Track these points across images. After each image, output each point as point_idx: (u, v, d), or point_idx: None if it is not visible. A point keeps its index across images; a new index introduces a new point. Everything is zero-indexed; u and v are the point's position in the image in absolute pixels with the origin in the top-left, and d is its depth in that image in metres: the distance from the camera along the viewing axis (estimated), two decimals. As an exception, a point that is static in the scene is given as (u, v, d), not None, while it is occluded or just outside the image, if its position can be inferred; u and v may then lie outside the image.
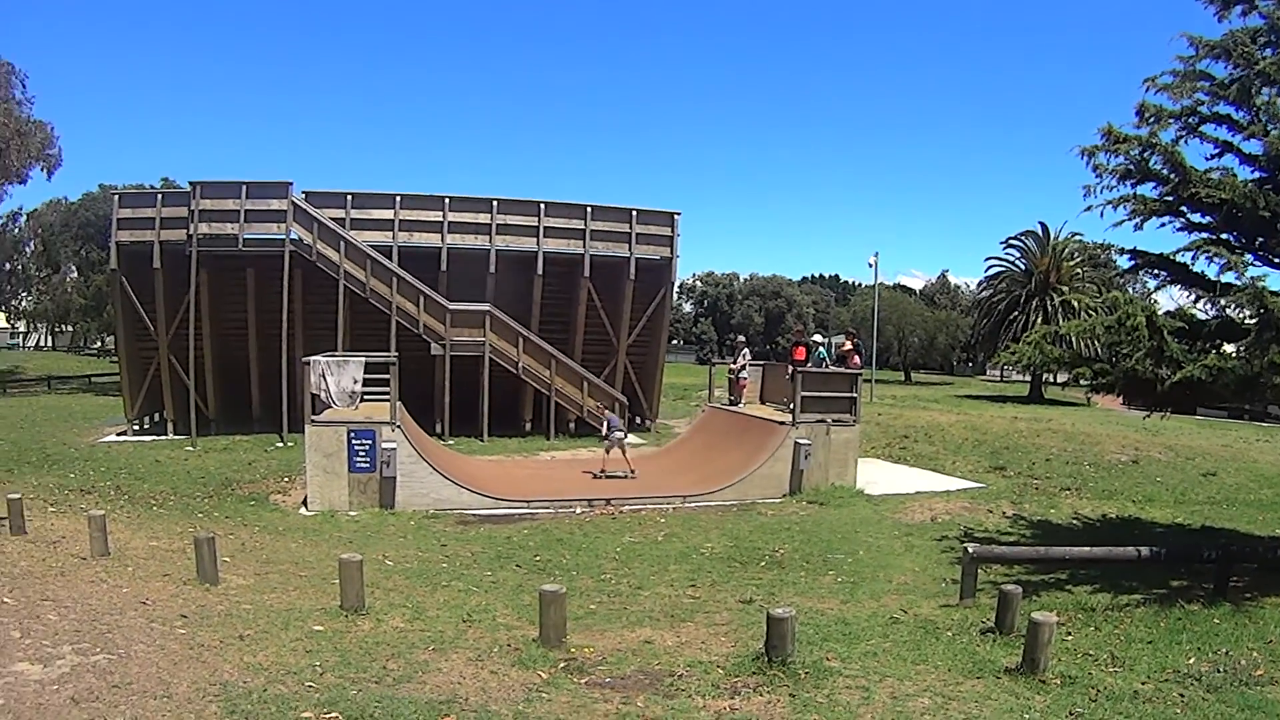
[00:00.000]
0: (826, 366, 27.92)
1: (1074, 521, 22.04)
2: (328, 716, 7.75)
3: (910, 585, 15.87)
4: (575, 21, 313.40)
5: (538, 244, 37.16)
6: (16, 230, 60.88)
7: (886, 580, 16.31)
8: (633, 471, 26.57)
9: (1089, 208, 16.85)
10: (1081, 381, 17.77)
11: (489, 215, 36.92)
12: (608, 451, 26.88)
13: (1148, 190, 16.84)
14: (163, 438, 36.39)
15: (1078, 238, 64.92)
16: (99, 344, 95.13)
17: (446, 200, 36.82)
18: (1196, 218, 16.54)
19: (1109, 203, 16.73)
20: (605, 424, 27.25)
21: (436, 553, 18.44)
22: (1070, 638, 11.09)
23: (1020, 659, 9.60)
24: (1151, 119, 16.42)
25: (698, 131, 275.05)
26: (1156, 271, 17.83)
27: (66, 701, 7.76)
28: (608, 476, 26.39)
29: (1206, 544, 17.55)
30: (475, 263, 36.89)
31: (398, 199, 36.64)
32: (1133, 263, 18.04)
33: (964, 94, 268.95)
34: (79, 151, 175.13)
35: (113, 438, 36.53)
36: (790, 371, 27.60)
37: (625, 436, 27.45)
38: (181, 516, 21.46)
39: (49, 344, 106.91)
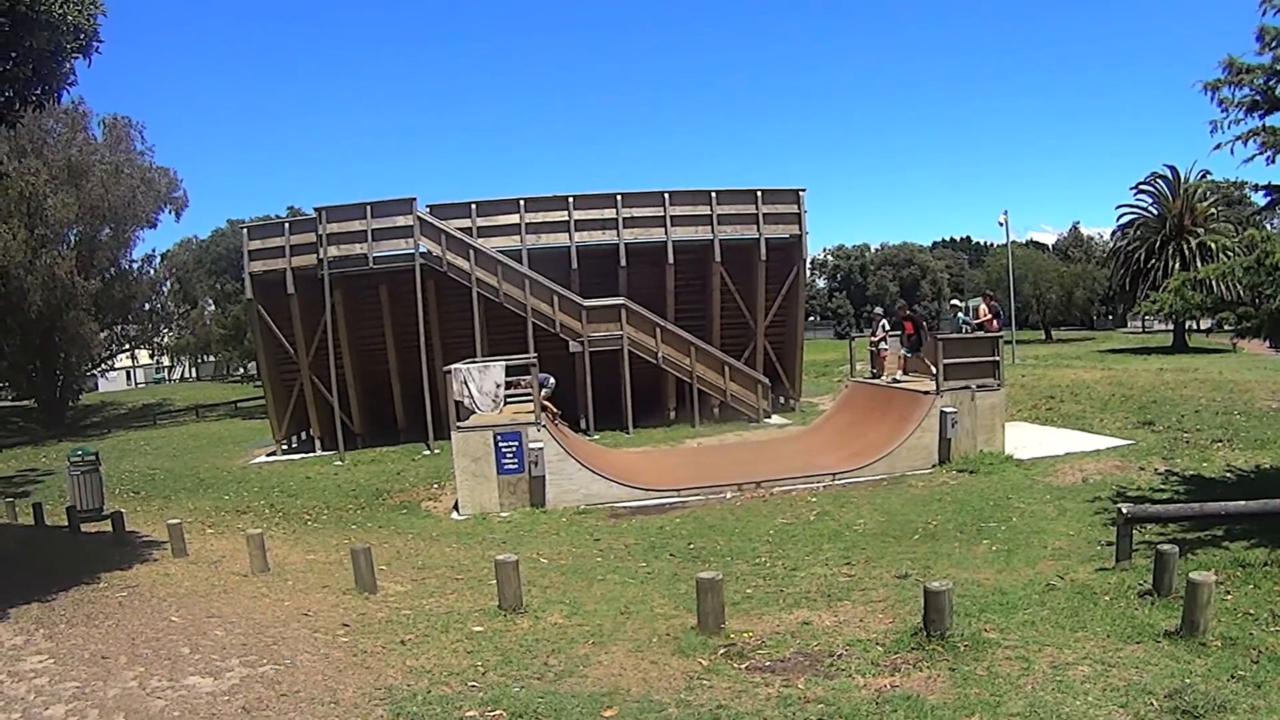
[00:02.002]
0: (967, 332, 27.33)
1: (1227, 474, 21.09)
2: (492, 714, 7.82)
3: (1065, 550, 15.45)
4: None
5: (666, 234, 37.06)
6: (152, 271, 62.95)
7: (1041, 546, 15.88)
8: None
9: (1218, 145, 16.38)
10: (1225, 326, 17.17)
11: (614, 210, 36.98)
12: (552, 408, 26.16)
13: (1278, 120, 16.16)
14: (311, 455, 37.23)
15: (1208, 177, 62.71)
16: (241, 371, 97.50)
17: (571, 199, 36.96)
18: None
19: (1238, 138, 16.19)
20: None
21: (590, 547, 18.40)
22: (1229, 597, 10.68)
23: (1180, 621, 9.38)
24: (1274, 43, 15.70)
25: (815, 104, 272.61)
26: (1295, 205, 17.17)
27: (238, 711, 8.05)
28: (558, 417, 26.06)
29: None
30: (606, 258, 36.97)
31: (522, 203, 36.87)
32: (1269, 198, 17.50)
33: (1078, 38, 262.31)
34: (203, 190, 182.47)
35: (263, 459, 37.48)
36: (905, 344, 27.97)
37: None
38: (335, 529, 21.89)
39: (193, 375, 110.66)
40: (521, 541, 19.09)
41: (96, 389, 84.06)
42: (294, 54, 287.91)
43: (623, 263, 36.62)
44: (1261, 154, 15.97)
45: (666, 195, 37.42)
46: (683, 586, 13.11)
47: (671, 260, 37.08)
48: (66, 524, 21.15)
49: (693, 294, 38.72)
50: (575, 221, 36.73)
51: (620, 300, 36.09)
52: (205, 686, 8.67)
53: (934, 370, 25.42)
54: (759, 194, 38.13)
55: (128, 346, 70.17)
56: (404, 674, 8.99)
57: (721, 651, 9.67)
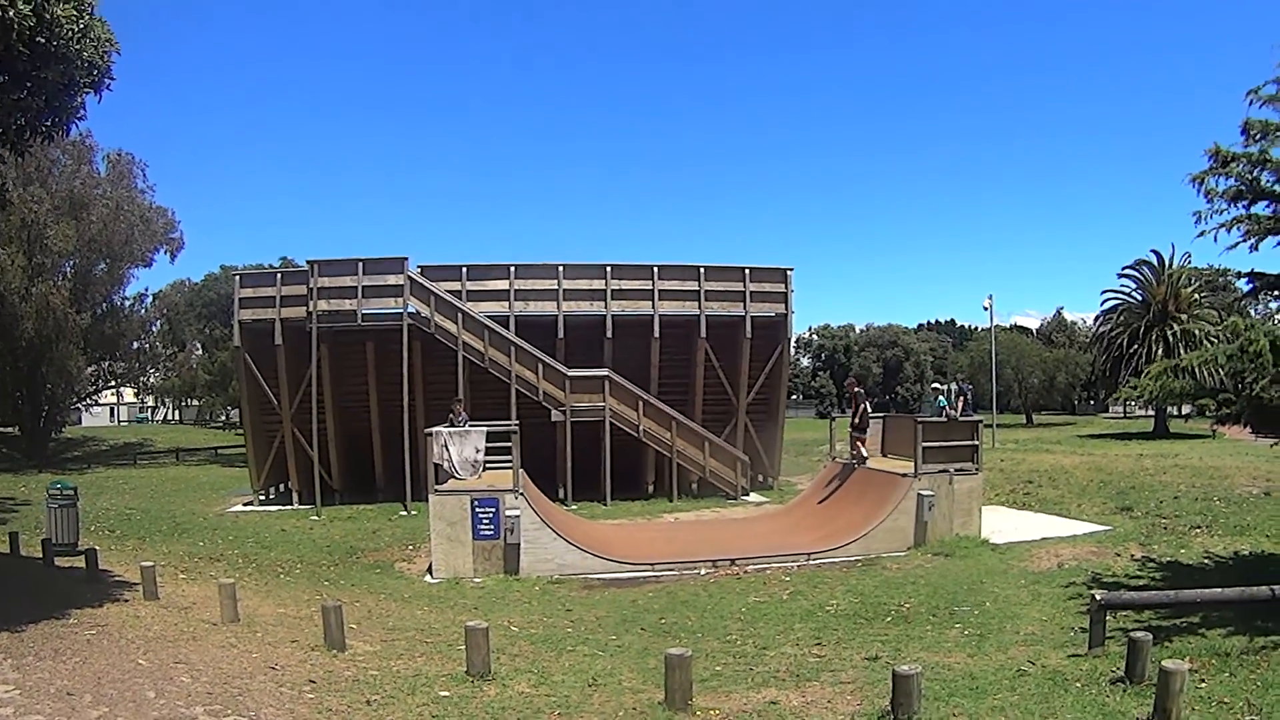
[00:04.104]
0: (947, 415, 27.52)
1: (1205, 561, 21.14)
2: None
3: (1038, 635, 15.39)
4: (679, 78, 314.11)
5: (653, 307, 37.34)
6: (143, 310, 63.19)
7: (1014, 631, 15.84)
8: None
9: (1202, 233, 16.64)
10: (1206, 413, 17.32)
11: (603, 281, 37.28)
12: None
13: (1261, 209, 16.49)
14: (288, 507, 37.06)
15: (1190, 262, 62.72)
16: (224, 417, 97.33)
17: (561, 268, 37.27)
18: (1315, 233, 16.14)
19: (1222, 226, 16.49)
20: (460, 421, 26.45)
21: (561, 617, 18.37)
22: (1204, 685, 10.66)
23: (1152, 709, 9.31)
24: (1259, 135, 16.09)
25: (803, 184, 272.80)
26: (1278, 293, 17.42)
27: (199, 760, 7.94)
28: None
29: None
30: (592, 329, 37.22)
31: (512, 269, 37.18)
32: (1252, 285, 17.69)
33: (1067, 125, 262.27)
34: (200, 234, 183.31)
35: (240, 507, 37.35)
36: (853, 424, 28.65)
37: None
38: (308, 584, 21.79)
39: (176, 417, 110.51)
40: (493, 608, 19.09)
41: (80, 422, 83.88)
42: (301, 108, 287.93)
43: (609, 334, 36.85)
44: (1245, 241, 16.24)
45: (655, 269, 37.77)
46: (652, 661, 13.04)
47: (657, 334, 37.30)
48: (40, 556, 21.09)
49: (677, 368, 38.86)
50: (564, 291, 37.01)
51: (604, 372, 36.22)
52: (169, 734, 8.70)
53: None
54: (747, 271, 38.62)
55: (114, 383, 70.22)
56: (367, 734, 9.03)
57: (688, 728, 9.66)
